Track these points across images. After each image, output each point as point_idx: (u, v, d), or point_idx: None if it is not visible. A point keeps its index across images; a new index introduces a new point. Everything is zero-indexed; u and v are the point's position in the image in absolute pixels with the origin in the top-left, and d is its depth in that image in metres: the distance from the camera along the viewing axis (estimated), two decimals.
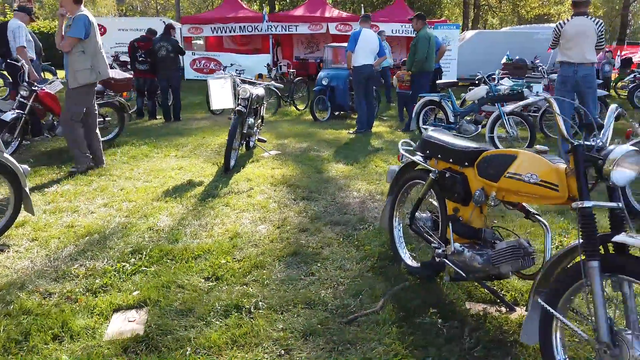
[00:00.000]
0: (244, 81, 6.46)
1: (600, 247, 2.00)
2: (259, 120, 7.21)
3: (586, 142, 2.05)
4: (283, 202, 4.70)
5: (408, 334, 2.44)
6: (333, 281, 3.05)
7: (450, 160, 2.74)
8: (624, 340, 1.84)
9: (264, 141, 6.95)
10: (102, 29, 19.17)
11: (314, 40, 21.22)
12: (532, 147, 6.50)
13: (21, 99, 6.46)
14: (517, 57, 12.46)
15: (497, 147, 6.69)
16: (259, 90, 6.88)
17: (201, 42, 21.72)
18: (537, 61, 14.79)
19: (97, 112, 5.95)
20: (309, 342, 2.40)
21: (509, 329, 2.51)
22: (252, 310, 2.66)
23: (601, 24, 5.72)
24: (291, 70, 13.06)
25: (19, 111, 6.31)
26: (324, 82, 10.55)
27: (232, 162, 6.04)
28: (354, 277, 3.10)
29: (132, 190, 5.03)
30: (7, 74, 9.82)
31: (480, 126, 7.04)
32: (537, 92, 2.16)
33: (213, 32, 18.70)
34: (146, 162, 6.35)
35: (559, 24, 5.96)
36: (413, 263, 3.16)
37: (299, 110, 11.84)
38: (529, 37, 19.23)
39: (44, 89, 6.61)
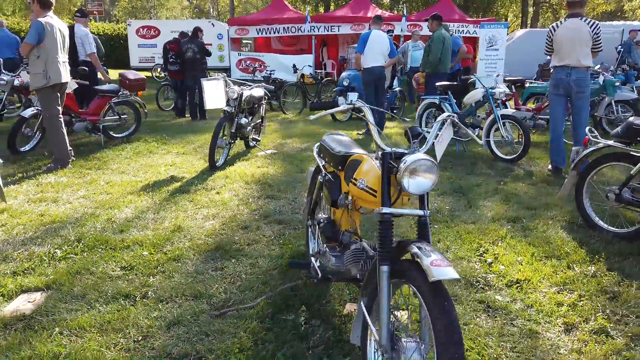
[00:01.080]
0: (234, 82, 6.69)
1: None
2: (259, 120, 7.42)
3: (397, 150, 2.07)
4: (245, 199, 4.88)
5: (264, 330, 2.55)
6: (235, 277, 3.19)
7: (331, 164, 2.81)
8: (400, 347, 1.87)
9: (258, 140, 7.16)
10: (156, 31, 20.24)
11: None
12: (526, 151, 6.31)
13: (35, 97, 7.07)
14: (547, 59, 11.91)
15: (493, 152, 6.62)
16: (256, 92, 7.10)
17: (250, 42, 22.36)
18: None
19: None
20: (171, 331, 2.56)
21: None
22: (138, 300, 2.86)
23: (596, 26, 5.44)
24: (319, 71, 13.20)
25: (38, 108, 6.89)
26: (345, 83, 10.60)
27: (222, 160, 6.31)
28: (258, 274, 3.22)
29: (116, 184, 5.39)
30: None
31: (477, 129, 6.88)
32: (351, 101, 2.11)
33: (258, 33, 19.21)
34: (147, 157, 6.73)
35: (552, 27, 5.72)
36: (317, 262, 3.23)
37: None
38: None
39: None
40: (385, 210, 2.01)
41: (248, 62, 19.04)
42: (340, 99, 2.36)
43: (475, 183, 5.46)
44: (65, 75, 6.04)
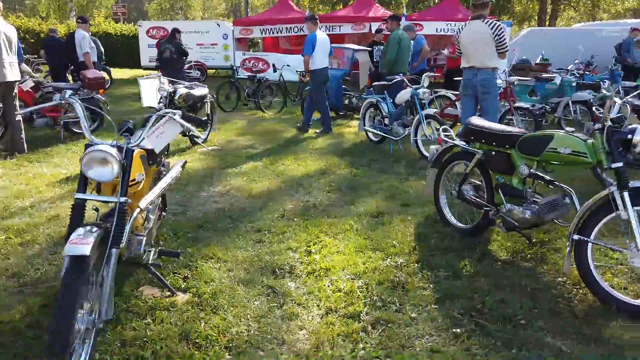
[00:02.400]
0: (170, 81, 7.02)
1: None
2: (204, 118, 7.72)
3: (97, 142, 2.32)
4: None
5: (40, 305, 2.84)
6: (63, 260, 3.48)
7: None
8: None
9: (198, 137, 7.43)
10: (165, 32, 20.88)
11: (366, 41, 21.30)
12: None
13: None
14: (523, 57, 11.78)
15: (420, 151, 6.71)
16: (197, 90, 7.43)
17: (260, 42, 22.82)
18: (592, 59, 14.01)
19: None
20: None
21: (141, 311, 2.81)
22: None
23: (497, 27, 5.47)
24: (299, 70, 13.40)
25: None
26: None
27: None
28: None
29: (42, 176, 5.78)
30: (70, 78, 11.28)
31: (408, 129, 6.97)
32: (64, 97, 2.36)
33: (262, 33, 19.61)
34: None
35: (458, 29, 5.81)
36: None
37: None
38: (590, 35, 17.88)
39: (21, 86, 7.71)
40: (77, 195, 2.26)
41: (252, 61, 19.47)
42: (56, 96, 2.62)
43: (378, 180, 5.59)
44: (11, 74, 6.51)
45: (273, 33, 19.37)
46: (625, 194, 2.81)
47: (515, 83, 7.60)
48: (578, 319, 2.78)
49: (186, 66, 18.25)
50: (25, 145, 6.87)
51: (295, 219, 4.33)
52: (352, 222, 4.21)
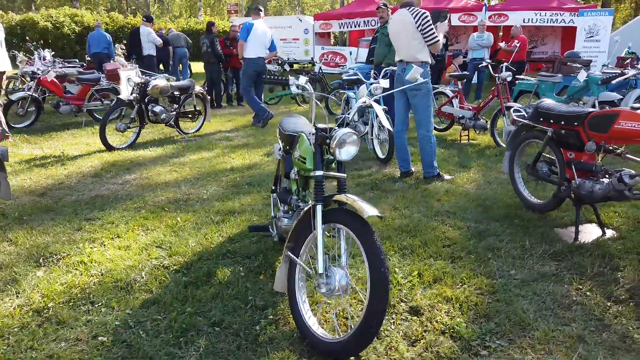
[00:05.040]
0: (144, 73, 7.32)
1: None
2: (191, 109, 7.93)
3: None
4: (79, 177, 5.46)
5: None
6: None
7: None
8: None
9: (173, 127, 7.65)
10: None
11: (445, 33, 20.20)
12: (392, 153, 5.90)
13: (29, 84, 8.62)
14: (573, 51, 10.21)
15: (375, 151, 6.26)
16: (182, 83, 7.69)
17: (346, 36, 22.77)
18: None
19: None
20: None
21: None
22: None
23: (420, 15, 4.86)
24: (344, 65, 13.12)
25: (25, 92, 8.40)
26: (343, 77, 10.55)
27: (129, 142, 7.02)
28: None
29: (15, 155, 6.39)
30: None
31: (367, 126, 6.51)
32: None
33: (340, 28, 19.55)
34: (82, 137, 7.72)
35: (390, 19, 5.27)
36: None
37: None
38: None
39: (45, 77, 8.61)
40: None
41: (330, 55, 19.54)
42: None
43: None
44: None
45: (351, 27, 19.22)
46: (318, 208, 2.38)
47: (509, 79, 6.69)
48: (273, 344, 2.42)
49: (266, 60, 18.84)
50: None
51: (142, 211, 4.30)
52: (179, 219, 4.07)
